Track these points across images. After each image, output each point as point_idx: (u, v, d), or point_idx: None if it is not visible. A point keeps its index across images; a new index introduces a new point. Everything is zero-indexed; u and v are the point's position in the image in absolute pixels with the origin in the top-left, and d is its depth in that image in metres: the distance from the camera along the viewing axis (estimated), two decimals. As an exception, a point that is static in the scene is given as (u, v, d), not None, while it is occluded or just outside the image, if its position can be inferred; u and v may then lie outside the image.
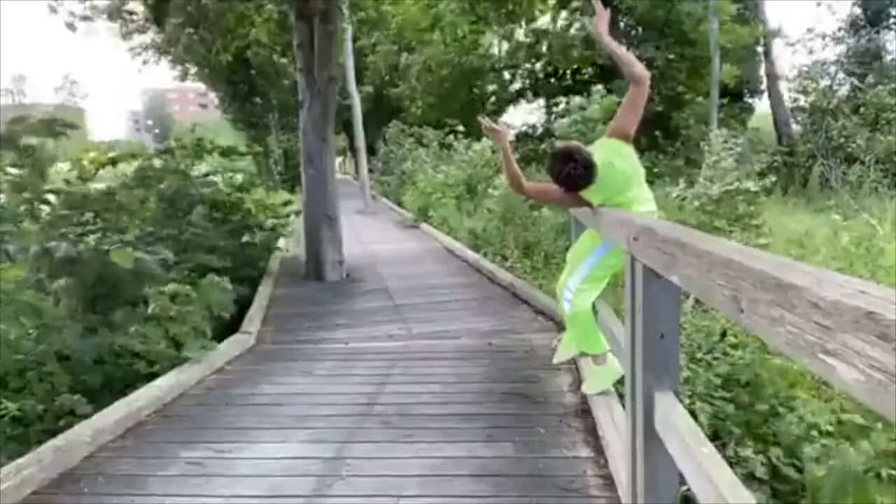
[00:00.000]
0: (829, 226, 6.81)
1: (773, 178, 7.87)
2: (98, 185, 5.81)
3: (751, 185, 6.75)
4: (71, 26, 8.48)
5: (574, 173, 3.03)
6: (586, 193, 3.12)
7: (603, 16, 3.23)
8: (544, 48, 20.64)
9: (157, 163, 6.92)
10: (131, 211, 5.65)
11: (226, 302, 5.06)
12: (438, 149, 15.67)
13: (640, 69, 3.12)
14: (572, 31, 19.88)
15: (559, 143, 3.51)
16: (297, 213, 8.98)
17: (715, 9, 16.71)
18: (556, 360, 4.07)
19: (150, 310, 4.40)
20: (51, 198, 5.13)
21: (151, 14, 9.22)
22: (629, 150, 3.21)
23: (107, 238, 4.78)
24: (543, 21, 21.07)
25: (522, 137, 20.03)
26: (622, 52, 3.17)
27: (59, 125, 4.95)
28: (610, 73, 13.18)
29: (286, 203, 9.79)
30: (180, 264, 5.46)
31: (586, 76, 19.60)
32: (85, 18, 8.66)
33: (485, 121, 3.53)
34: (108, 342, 4.11)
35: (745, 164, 7.18)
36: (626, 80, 3.17)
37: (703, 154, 7.75)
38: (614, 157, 3.13)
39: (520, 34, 20.96)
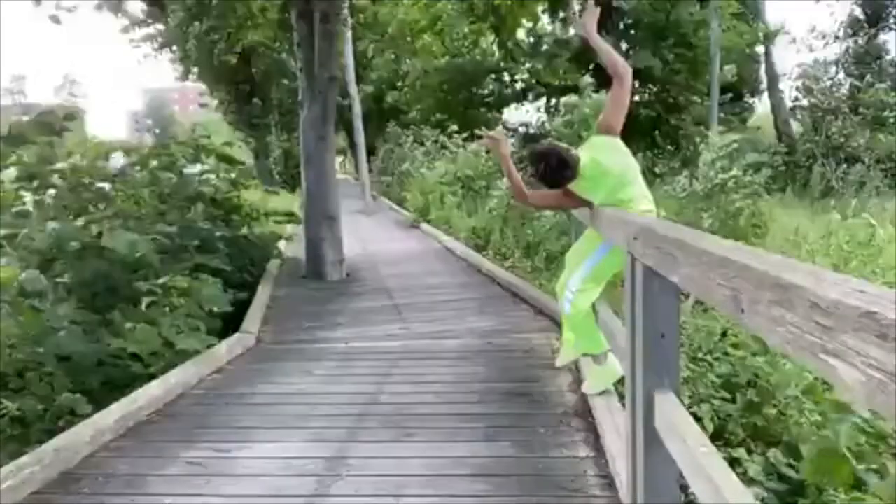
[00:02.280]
0: (827, 225, 6.81)
1: (768, 173, 7.86)
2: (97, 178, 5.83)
3: (746, 177, 6.74)
4: (55, 19, 8.36)
5: (548, 171, 3.15)
6: (580, 191, 3.16)
7: (593, 13, 3.37)
8: (543, 48, 20.61)
9: (153, 162, 6.89)
10: (136, 199, 5.65)
11: (218, 299, 5.06)
12: (436, 147, 15.69)
13: (623, 65, 3.26)
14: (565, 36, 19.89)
15: (536, 146, 3.58)
16: (297, 222, 8.91)
17: (715, 9, 16.70)
18: (559, 364, 4.05)
19: (144, 306, 4.39)
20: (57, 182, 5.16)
21: (152, 3, 9.17)
22: (616, 144, 3.25)
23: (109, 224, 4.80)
24: (543, 22, 21.06)
25: (522, 138, 20.00)
26: (607, 48, 3.32)
27: (59, 123, 5.00)
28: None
29: (289, 214, 9.68)
30: (179, 262, 5.45)
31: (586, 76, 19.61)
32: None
33: (483, 132, 3.60)
34: (106, 343, 4.11)
35: (741, 162, 7.17)
36: (611, 75, 3.27)
37: (700, 154, 7.76)
38: (599, 152, 3.19)
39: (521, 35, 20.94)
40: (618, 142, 3.26)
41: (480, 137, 4.06)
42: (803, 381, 3.18)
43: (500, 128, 19.46)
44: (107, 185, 5.79)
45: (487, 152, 11.04)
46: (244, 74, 22.04)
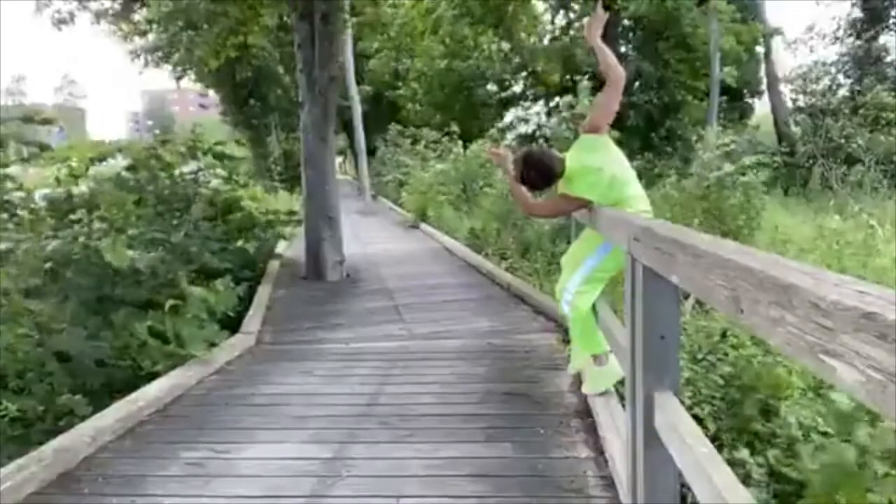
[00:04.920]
0: (827, 226, 6.80)
1: (766, 173, 7.81)
2: (85, 186, 5.81)
3: (745, 177, 6.69)
4: (61, 22, 8.34)
5: (522, 173, 3.27)
6: (574, 192, 3.19)
7: (600, 18, 3.38)
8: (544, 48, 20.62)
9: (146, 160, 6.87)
10: (124, 208, 5.63)
11: (230, 300, 5.07)
12: (434, 149, 15.71)
13: (620, 70, 3.30)
14: (571, 32, 19.91)
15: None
16: (298, 223, 8.94)
17: (714, 9, 16.70)
18: (571, 371, 4.02)
19: (166, 308, 4.40)
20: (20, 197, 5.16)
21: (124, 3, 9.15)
22: (606, 143, 3.29)
23: (100, 235, 4.79)
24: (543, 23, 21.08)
25: (520, 139, 20.01)
26: (608, 53, 3.33)
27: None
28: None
29: (290, 213, 9.71)
30: (182, 264, 5.44)
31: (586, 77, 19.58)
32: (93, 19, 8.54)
33: (489, 150, 3.64)
34: (109, 344, 4.11)
35: (741, 163, 7.13)
36: (605, 77, 3.31)
37: (695, 153, 7.75)
38: (583, 152, 3.23)
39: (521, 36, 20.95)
40: (608, 141, 3.29)
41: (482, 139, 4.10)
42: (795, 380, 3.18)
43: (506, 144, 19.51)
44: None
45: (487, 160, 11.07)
46: (242, 76, 21.99)
